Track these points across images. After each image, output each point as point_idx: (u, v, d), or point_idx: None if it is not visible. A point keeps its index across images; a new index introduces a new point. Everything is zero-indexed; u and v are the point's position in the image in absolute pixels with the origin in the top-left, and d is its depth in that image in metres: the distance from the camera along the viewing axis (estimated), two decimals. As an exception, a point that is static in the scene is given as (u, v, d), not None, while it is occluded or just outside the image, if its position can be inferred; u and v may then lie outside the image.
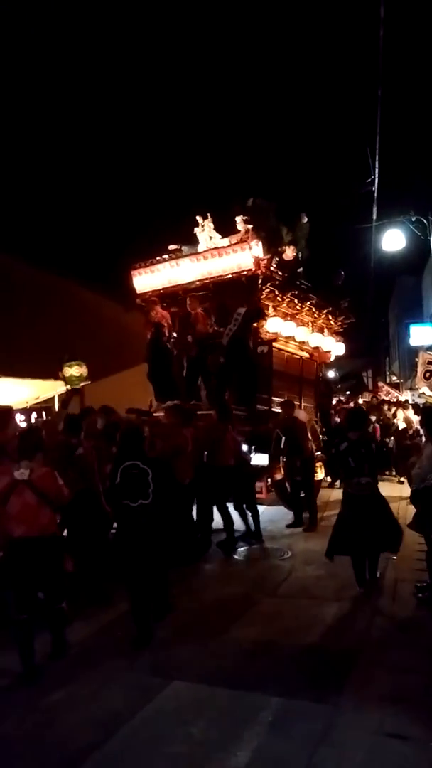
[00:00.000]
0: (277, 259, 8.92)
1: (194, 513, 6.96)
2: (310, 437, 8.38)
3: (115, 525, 5.25)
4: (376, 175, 13.35)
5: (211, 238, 9.04)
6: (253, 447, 8.00)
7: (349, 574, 5.97)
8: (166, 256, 9.24)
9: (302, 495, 8.18)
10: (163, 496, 4.68)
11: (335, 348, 11.30)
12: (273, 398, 9.14)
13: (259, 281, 8.52)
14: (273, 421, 8.48)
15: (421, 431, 7.36)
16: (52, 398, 11.10)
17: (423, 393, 13.23)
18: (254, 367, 8.70)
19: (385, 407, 14.12)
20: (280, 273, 8.90)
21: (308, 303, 9.71)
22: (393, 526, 5.62)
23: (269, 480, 8.64)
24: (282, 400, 8.78)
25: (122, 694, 3.73)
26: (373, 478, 5.42)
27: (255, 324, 8.66)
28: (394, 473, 11.04)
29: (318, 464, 8.96)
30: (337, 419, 11.54)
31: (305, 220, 9.43)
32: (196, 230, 9.17)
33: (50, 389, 10.87)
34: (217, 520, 7.11)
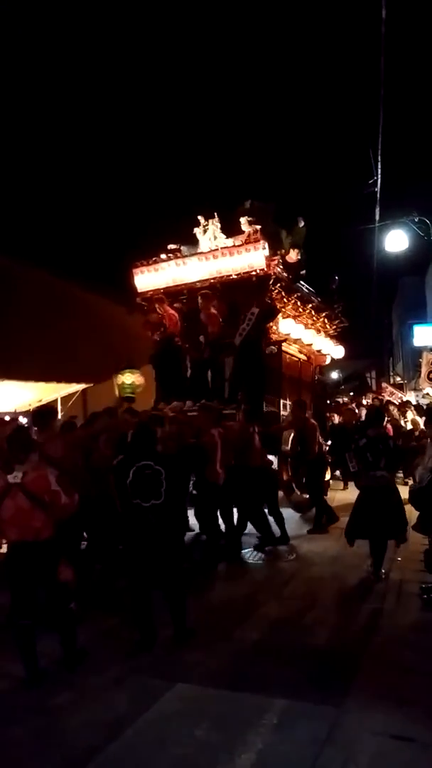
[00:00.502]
0: (281, 261, 8.92)
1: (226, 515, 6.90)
2: (320, 439, 8.39)
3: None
4: (379, 176, 13.35)
5: (216, 237, 8.98)
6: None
7: (353, 576, 5.97)
8: (171, 255, 9.17)
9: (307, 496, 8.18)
10: (177, 496, 4.67)
11: (334, 351, 11.35)
12: (281, 400, 9.12)
13: (271, 281, 8.49)
14: (284, 422, 8.46)
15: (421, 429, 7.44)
16: (55, 401, 11.12)
17: (427, 393, 13.21)
18: (264, 367, 8.68)
19: (392, 408, 14.07)
20: (285, 274, 8.89)
21: (309, 306, 9.73)
22: (400, 517, 5.73)
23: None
24: (288, 402, 8.77)
25: (126, 696, 3.71)
26: (388, 472, 5.79)
27: (267, 324, 8.64)
28: (400, 474, 11.02)
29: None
30: (338, 419, 11.53)
31: (302, 224, 9.42)
32: (196, 230, 9.12)
33: (53, 392, 10.89)
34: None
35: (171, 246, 9.24)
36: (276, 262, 8.53)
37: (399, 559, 6.47)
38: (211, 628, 4.70)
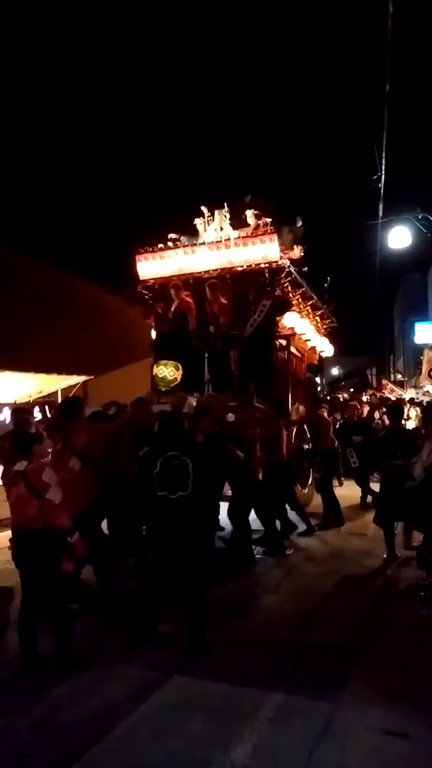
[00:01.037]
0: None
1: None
2: (332, 435, 8.41)
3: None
4: (383, 172, 13.27)
5: (222, 228, 8.86)
6: None
7: (350, 572, 5.98)
8: (178, 243, 9.04)
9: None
10: (205, 488, 4.58)
11: (326, 349, 11.36)
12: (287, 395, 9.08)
13: (283, 274, 8.45)
14: (297, 417, 8.44)
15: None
16: (56, 392, 11.09)
17: (427, 391, 13.21)
18: (272, 361, 8.64)
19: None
20: (293, 269, 8.83)
21: (309, 302, 9.72)
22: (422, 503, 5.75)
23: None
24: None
25: (122, 688, 3.73)
26: (405, 462, 5.99)
27: (278, 317, 8.59)
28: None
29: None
30: (338, 416, 11.52)
31: (300, 223, 9.36)
32: (197, 221, 9.00)
33: (53, 383, 10.86)
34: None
35: (171, 235, 9.10)
36: (288, 255, 8.46)
37: (398, 554, 6.49)
38: (207, 622, 4.70)
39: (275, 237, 8.26)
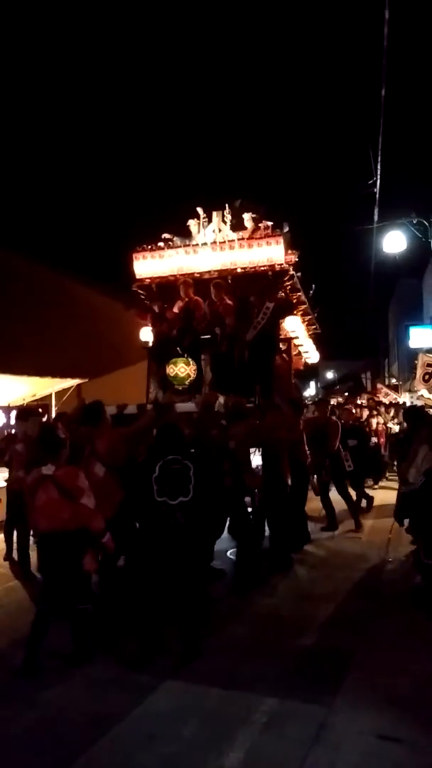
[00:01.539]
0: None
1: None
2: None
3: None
4: (378, 177, 13.33)
5: (220, 230, 8.82)
6: None
7: (344, 576, 5.98)
8: (179, 243, 8.96)
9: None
10: (206, 494, 4.45)
11: (313, 355, 11.39)
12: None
13: (286, 277, 8.44)
14: (305, 420, 8.43)
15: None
16: (50, 395, 11.07)
17: (422, 395, 13.25)
18: (274, 363, 8.60)
19: (383, 410, 14.12)
20: (296, 273, 8.81)
21: (302, 308, 9.74)
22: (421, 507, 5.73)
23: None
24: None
25: (115, 692, 3.71)
26: None
27: (280, 320, 8.56)
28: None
29: None
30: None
31: (287, 229, 9.36)
32: (191, 222, 8.94)
33: (47, 387, 10.84)
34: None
35: (165, 235, 9.02)
36: (288, 259, 8.43)
37: (390, 559, 6.49)
38: (201, 626, 4.69)
39: (281, 239, 8.25)
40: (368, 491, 9.78)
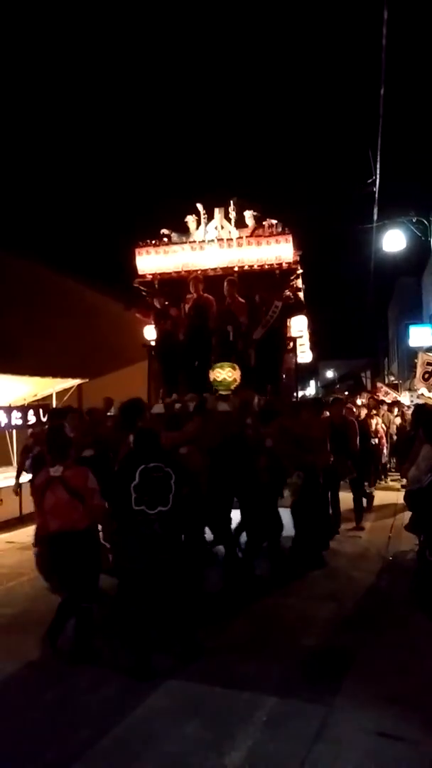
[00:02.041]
0: None
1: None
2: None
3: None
4: (377, 176, 13.34)
5: (223, 227, 8.75)
6: None
7: (346, 575, 5.99)
8: (175, 238, 8.85)
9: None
10: (185, 504, 4.41)
11: (308, 355, 11.45)
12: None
13: (293, 276, 8.39)
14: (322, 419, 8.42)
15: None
16: (50, 395, 11.08)
17: (422, 394, 13.24)
18: (282, 362, 8.56)
19: (384, 408, 14.06)
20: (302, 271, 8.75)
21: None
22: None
23: None
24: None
25: (117, 691, 3.72)
26: None
27: (288, 319, 8.52)
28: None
29: None
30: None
31: (279, 229, 9.32)
32: (189, 218, 8.82)
33: (48, 386, 10.85)
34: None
35: (164, 231, 8.90)
36: (298, 258, 8.38)
37: (390, 558, 6.50)
38: (202, 624, 4.71)
39: (290, 238, 8.19)
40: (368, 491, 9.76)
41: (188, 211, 8.74)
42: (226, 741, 3.15)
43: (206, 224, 8.71)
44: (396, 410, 14.39)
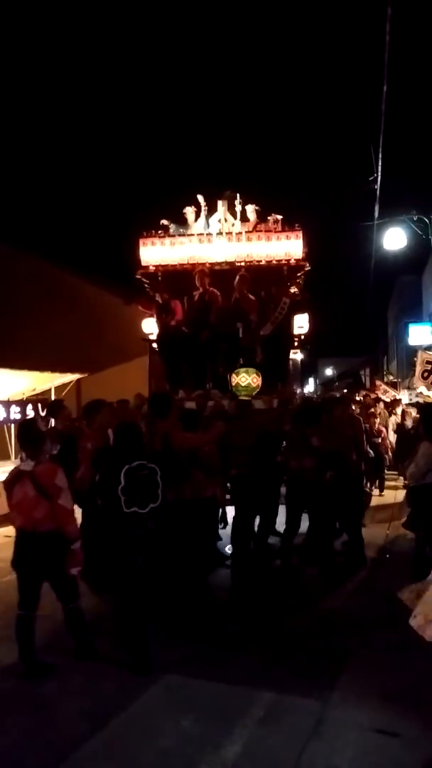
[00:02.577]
0: None
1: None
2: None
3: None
4: (379, 173, 13.31)
5: (227, 220, 8.66)
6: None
7: (343, 572, 5.99)
8: (173, 229, 8.74)
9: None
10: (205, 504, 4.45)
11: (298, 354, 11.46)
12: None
13: (301, 273, 8.33)
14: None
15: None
16: (49, 390, 11.06)
17: (420, 392, 13.23)
18: (287, 359, 8.52)
19: (381, 406, 14.03)
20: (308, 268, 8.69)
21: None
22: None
23: None
24: None
25: (113, 686, 3.72)
26: None
27: (293, 316, 8.43)
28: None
29: None
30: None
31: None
32: (187, 209, 8.68)
33: (47, 381, 10.82)
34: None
35: (163, 221, 8.76)
36: (306, 254, 8.32)
37: (387, 556, 6.51)
38: (199, 621, 4.71)
39: (300, 234, 8.14)
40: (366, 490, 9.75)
41: (186, 202, 8.60)
42: (223, 736, 3.16)
43: (207, 216, 8.61)
44: (395, 408, 14.35)
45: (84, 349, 12.98)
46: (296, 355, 10.97)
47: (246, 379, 7.49)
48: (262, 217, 8.49)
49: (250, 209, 8.54)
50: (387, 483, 11.20)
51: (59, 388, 11.08)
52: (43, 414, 10.21)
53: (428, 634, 2.97)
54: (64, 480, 3.93)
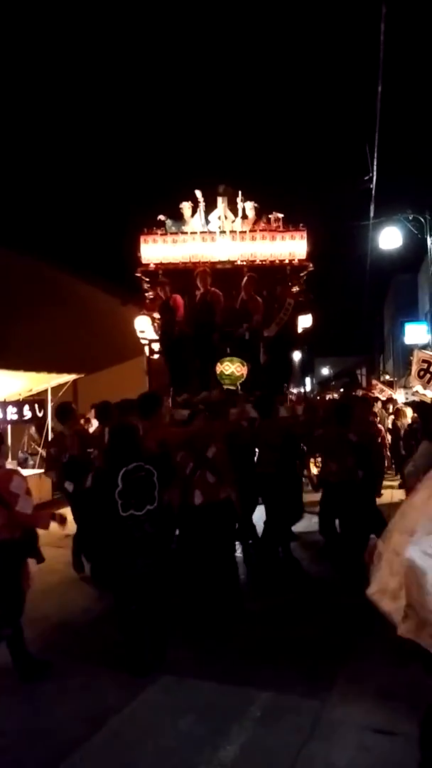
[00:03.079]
0: None
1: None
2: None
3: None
4: (374, 173, 13.34)
5: (227, 217, 8.57)
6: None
7: (341, 570, 5.99)
8: (170, 224, 8.65)
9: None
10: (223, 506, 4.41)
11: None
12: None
13: (304, 273, 8.28)
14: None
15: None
16: (45, 391, 11.03)
17: (416, 391, 13.26)
18: (291, 360, 8.49)
19: (378, 405, 14.04)
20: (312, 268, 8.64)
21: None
22: None
23: None
24: None
25: (111, 687, 3.72)
26: None
27: (297, 316, 8.38)
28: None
29: None
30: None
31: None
32: (183, 205, 8.58)
33: (43, 381, 10.79)
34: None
35: (161, 217, 8.63)
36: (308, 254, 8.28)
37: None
38: (197, 621, 4.71)
39: (305, 234, 8.08)
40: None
41: (182, 199, 8.52)
42: (221, 736, 3.16)
43: (205, 213, 8.52)
44: (390, 407, 14.36)
45: (80, 350, 12.95)
46: (294, 355, 10.97)
47: (230, 367, 7.44)
48: (260, 214, 8.43)
49: (249, 206, 8.46)
50: (384, 482, 11.19)
51: (56, 389, 11.05)
52: (39, 414, 10.22)
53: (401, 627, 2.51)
54: (19, 486, 3.73)
